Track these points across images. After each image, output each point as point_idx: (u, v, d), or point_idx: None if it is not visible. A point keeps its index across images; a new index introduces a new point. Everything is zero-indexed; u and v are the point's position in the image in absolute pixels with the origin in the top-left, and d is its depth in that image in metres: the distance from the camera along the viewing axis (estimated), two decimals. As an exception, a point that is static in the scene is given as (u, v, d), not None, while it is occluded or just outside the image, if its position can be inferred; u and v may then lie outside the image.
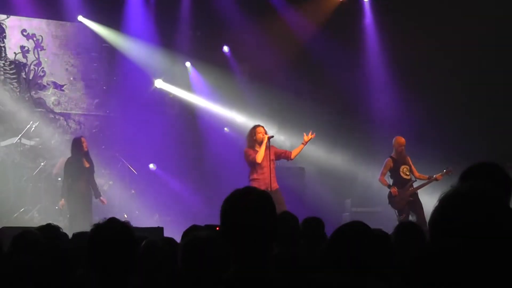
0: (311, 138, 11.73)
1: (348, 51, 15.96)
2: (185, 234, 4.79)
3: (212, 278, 3.30)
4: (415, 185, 12.95)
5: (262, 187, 10.80)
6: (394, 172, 13.00)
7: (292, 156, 12.04)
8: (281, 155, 11.98)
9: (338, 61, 15.72)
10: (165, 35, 16.17)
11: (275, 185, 11.54)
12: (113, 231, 3.53)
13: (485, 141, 13.66)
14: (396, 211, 12.80)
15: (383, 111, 15.85)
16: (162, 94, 16.61)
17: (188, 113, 16.84)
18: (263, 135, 11.58)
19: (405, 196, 12.80)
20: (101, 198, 12.71)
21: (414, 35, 14.86)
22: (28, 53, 15.37)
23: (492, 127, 14.56)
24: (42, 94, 15.49)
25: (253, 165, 11.59)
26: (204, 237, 3.95)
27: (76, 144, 12.48)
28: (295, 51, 16.25)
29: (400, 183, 12.91)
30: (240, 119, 16.64)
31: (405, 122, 15.12)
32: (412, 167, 13.04)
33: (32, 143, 14.94)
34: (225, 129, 16.98)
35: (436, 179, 12.84)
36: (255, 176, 11.57)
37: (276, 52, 16.02)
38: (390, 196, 12.89)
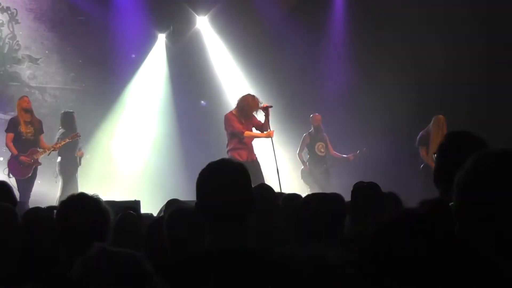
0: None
1: (312, 27, 16.19)
2: (169, 206, 4.80)
3: (195, 248, 3.32)
4: (328, 163, 13.58)
5: (244, 158, 10.69)
6: (310, 148, 13.58)
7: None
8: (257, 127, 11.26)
9: (302, 41, 16.01)
10: (142, 8, 16.03)
11: (255, 156, 11.18)
12: (82, 205, 3.49)
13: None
14: (308, 186, 13.25)
15: (337, 90, 15.94)
16: (138, 66, 16.50)
17: (164, 85, 16.75)
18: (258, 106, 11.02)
19: (316, 173, 13.36)
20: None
21: (381, 21, 15.01)
22: (3, 26, 15.19)
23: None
24: (17, 67, 15.35)
25: (235, 135, 11.03)
26: (189, 208, 3.99)
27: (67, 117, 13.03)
28: (263, 25, 16.29)
29: (314, 159, 13.48)
30: (215, 90, 16.60)
31: (356, 103, 15.35)
32: (329, 144, 13.64)
33: (8, 117, 14.81)
34: (201, 102, 16.93)
35: (348, 159, 13.55)
36: (238, 145, 10.99)
37: (249, 26, 16.04)
38: (303, 171, 13.51)
